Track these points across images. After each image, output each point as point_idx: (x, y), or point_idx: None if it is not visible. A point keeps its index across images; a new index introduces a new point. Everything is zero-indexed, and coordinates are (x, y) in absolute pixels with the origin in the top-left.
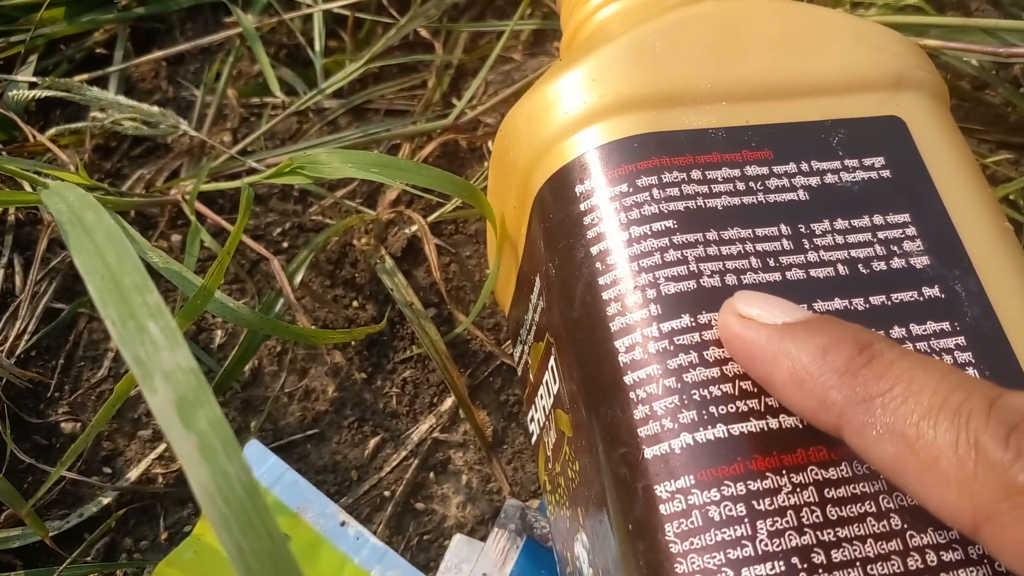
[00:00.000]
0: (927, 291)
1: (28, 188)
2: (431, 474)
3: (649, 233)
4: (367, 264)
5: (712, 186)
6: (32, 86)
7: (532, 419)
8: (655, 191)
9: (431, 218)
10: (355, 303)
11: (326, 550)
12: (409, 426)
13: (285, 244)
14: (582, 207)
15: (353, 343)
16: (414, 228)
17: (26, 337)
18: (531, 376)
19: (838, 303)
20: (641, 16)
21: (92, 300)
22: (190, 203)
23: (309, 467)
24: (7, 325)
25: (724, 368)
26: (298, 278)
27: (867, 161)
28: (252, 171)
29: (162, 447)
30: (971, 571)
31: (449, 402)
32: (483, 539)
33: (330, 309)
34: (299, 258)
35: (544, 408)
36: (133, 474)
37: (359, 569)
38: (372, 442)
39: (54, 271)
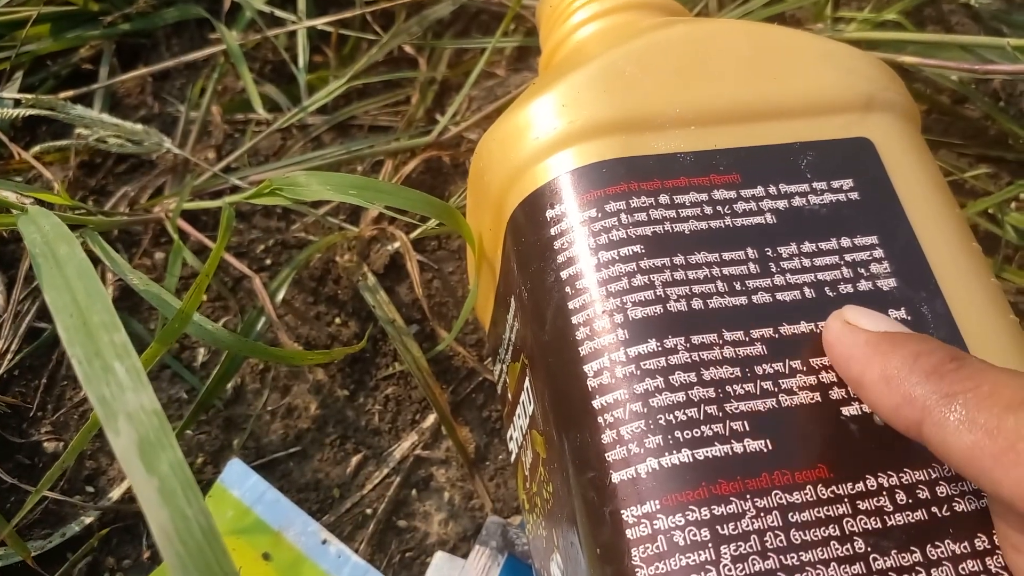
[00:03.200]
0: (893, 313)
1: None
2: (413, 491)
3: (617, 258)
4: (349, 281)
5: (680, 210)
6: (17, 104)
7: (511, 438)
8: (623, 216)
9: (413, 235)
10: (337, 320)
11: (308, 568)
12: (391, 443)
13: (268, 261)
14: (552, 232)
15: (335, 360)
16: (396, 245)
17: (9, 356)
18: (509, 395)
19: (804, 327)
20: (616, 38)
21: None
22: (172, 221)
23: (291, 485)
24: None
25: (690, 393)
26: (280, 296)
27: (835, 183)
28: (235, 189)
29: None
30: None
31: (431, 419)
32: (465, 556)
33: (312, 326)
34: (281, 276)
35: (521, 428)
36: (115, 493)
37: None
38: (354, 459)
39: (37, 290)
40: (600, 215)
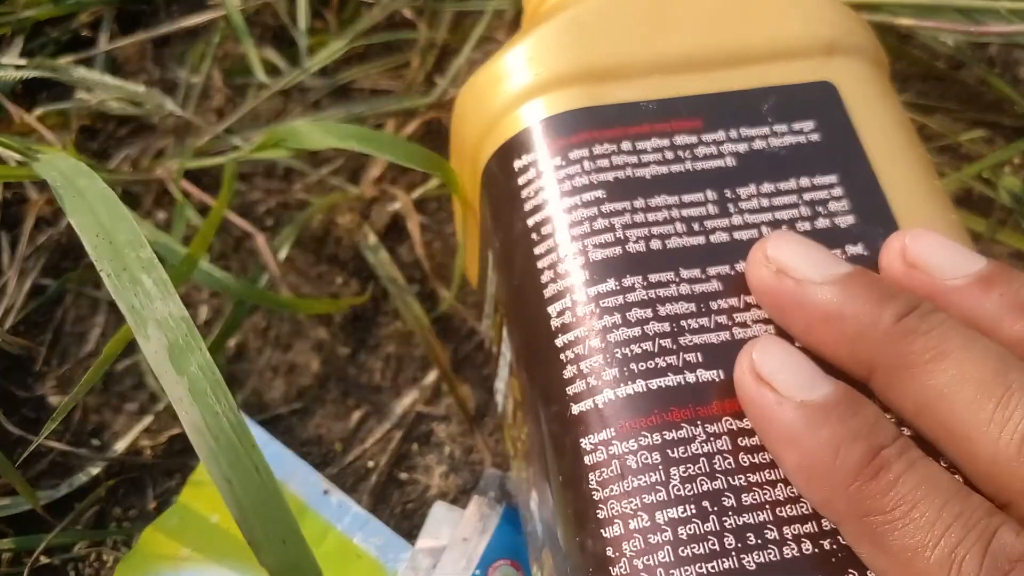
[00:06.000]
0: (851, 248)
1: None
2: (414, 445)
3: (580, 203)
4: (351, 241)
5: (641, 156)
6: (18, 67)
7: (498, 390)
8: (586, 163)
9: (414, 195)
10: (339, 279)
11: (309, 517)
12: (392, 399)
13: (270, 221)
14: (520, 181)
15: (337, 319)
16: (397, 205)
17: (14, 313)
18: (494, 349)
19: None
20: None
21: (79, 276)
22: (176, 181)
23: (294, 440)
24: None
25: (645, 328)
26: (282, 254)
27: (796, 126)
28: (236, 149)
29: (149, 419)
30: None
31: (432, 376)
32: (465, 507)
33: (314, 285)
34: (283, 235)
35: (504, 378)
36: (121, 446)
37: (342, 536)
38: (356, 415)
39: (41, 248)
40: (564, 163)
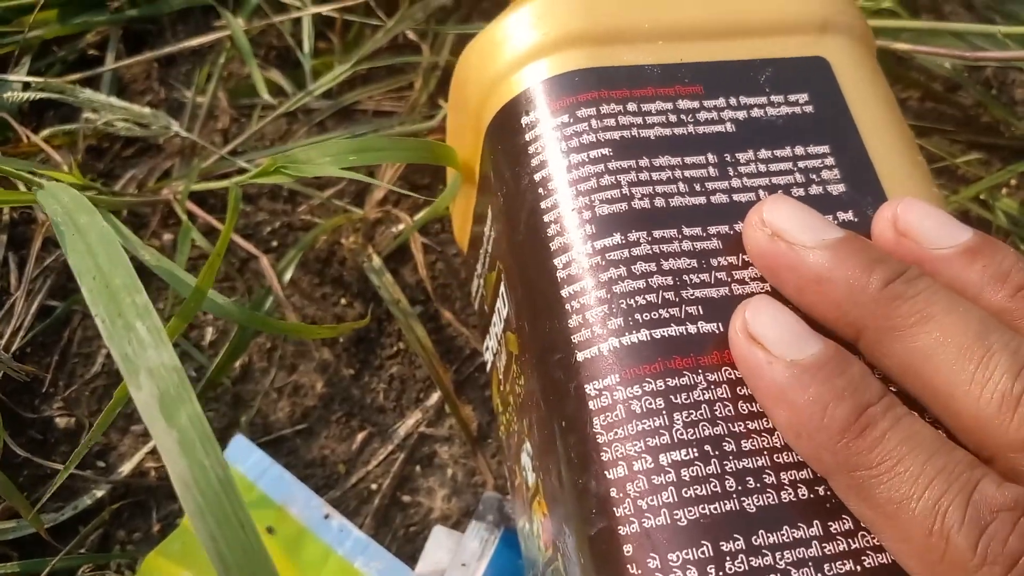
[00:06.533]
0: (841, 215)
1: (23, 188)
2: (417, 467)
3: (587, 160)
4: (355, 262)
5: (646, 118)
6: (26, 87)
7: (487, 348)
8: (593, 121)
9: (418, 217)
10: (343, 300)
11: (310, 542)
12: (396, 421)
13: (275, 243)
14: (527, 137)
15: (341, 340)
16: (401, 227)
17: (21, 334)
18: (486, 307)
19: None
20: None
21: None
22: (181, 203)
23: (298, 461)
24: (2, 322)
25: (649, 280)
26: (287, 276)
27: (792, 97)
28: (241, 171)
29: (154, 442)
30: None
31: (435, 397)
32: (465, 530)
33: (318, 306)
34: (288, 256)
35: (497, 335)
36: (126, 468)
37: (343, 560)
38: (359, 436)
39: (48, 269)
40: (572, 120)
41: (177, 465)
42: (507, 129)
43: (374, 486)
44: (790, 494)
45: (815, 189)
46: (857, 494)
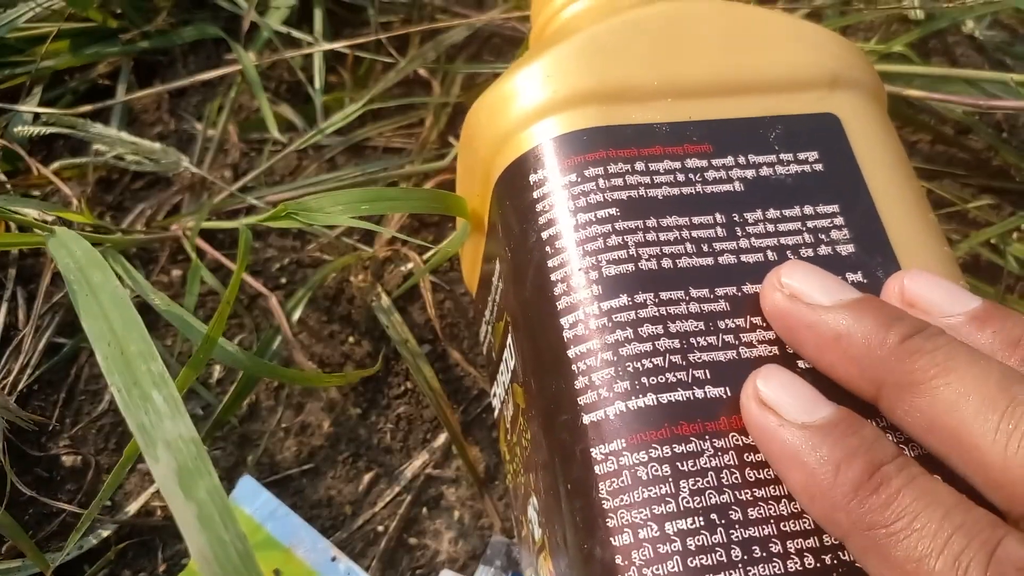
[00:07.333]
0: (850, 276)
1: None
2: (424, 509)
3: (594, 220)
4: (363, 301)
5: (654, 177)
6: (36, 118)
7: (494, 395)
8: (601, 181)
9: (427, 256)
10: (351, 339)
11: None
12: (403, 462)
13: (283, 280)
14: (535, 195)
15: (351, 383)
16: (410, 266)
17: (28, 371)
18: (494, 354)
19: None
20: (599, 15)
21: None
22: (191, 240)
23: (304, 501)
24: (10, 359)
25: (656, 343)
26: (296, 315)
27: (801, 155)
28: (252, 208)
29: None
30: None
31: (442, 438)
32: (473, 575)
33: (326, 345)
34: (297, 295)
35: (504, 384)
36: (132, 507)
37: None
38: (366, 477)
39: (57, 305)
40: (580, 180)
41: (196, 540)
42: (516, 186)
43: (380, 528)
44: (796, 564)
45: (824, 249)
46: (875, 554)
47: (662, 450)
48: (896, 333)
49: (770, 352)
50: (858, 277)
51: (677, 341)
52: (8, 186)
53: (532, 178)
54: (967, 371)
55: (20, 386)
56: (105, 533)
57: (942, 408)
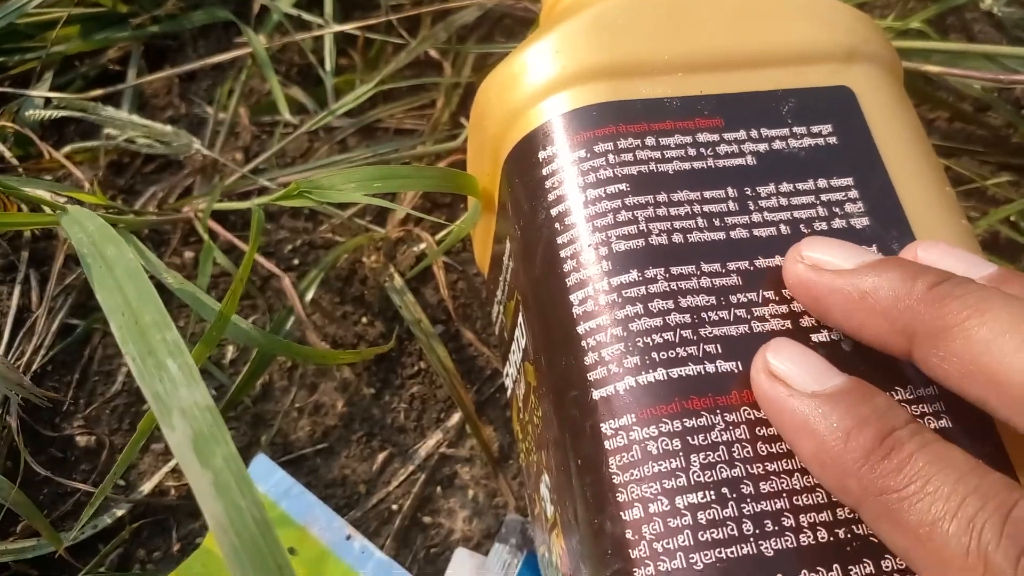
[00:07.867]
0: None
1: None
2: (438, 488)
3: (603, 195)
4: (376, 281)
5: (664, 152)
6: (47, 103)
7: (507, 374)
8: (611, 156)
9: (439, 236)
10: (364, 320)
11: (332, 563)
12: (416, 441)
13: (296, 261)
14: (544, 171)
15: (364, 360)
16: (423, 246)
17: (42, 352)
18: (505, 334)
19: (779, 260)
20: None
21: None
22: (203, 222)
23: (318, 481)
24: (24, 341)
25: (667, 318)
26: (309, 296)
27: (815, 128)
28: (263, 190)
29: (175, 460)
30: None
31: (456, 418)
32: (487, 553)
33: (339, 326)
34: (310, 276)
35: (516, 363)
36: (147, 487)
37: None
38: (380, 456)
39: (70, 287)
40: (589, 155)
41: (213, 507)
42: (525, 163)
43: (395, 507)
44: (809, 537)
45: (838, 223)
46: (887, 520)
47: (672, 424)
48: (923, 282)
49: (782, 326)
50: (872, 250)
51: (688, 316)
52: (20, 170)
53: (541, 155)
54: (1002, 310)
55: (34, 367)
56: (119, 512)
57: (978, 349)
